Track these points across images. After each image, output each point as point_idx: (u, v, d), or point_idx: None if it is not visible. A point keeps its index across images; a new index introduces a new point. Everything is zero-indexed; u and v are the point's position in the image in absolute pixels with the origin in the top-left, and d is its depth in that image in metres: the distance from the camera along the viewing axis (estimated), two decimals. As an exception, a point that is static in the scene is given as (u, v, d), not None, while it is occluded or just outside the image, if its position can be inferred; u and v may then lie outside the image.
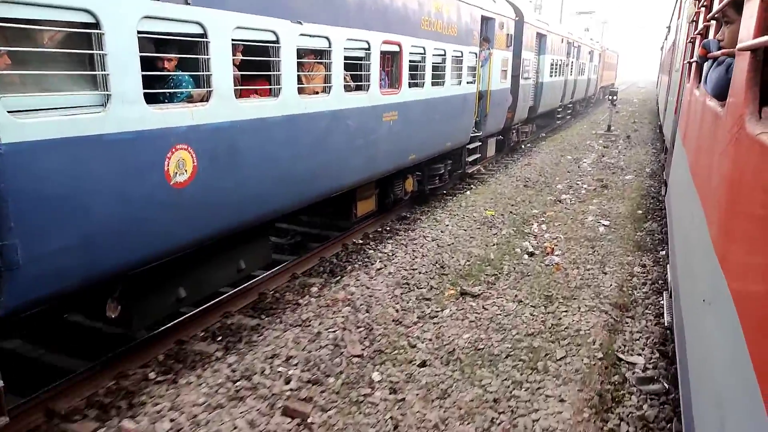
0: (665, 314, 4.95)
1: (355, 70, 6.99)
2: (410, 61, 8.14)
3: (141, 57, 3.93)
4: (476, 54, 10.89)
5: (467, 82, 10.56)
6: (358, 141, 7.05)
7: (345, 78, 6.59)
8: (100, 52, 3.66)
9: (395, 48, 7.70)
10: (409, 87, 8.21)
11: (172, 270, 5.06)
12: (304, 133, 5.92)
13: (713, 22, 4.20)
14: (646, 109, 33.35)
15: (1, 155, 3.15)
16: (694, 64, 5.26)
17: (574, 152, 17.15)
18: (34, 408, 4.09)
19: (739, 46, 2.10)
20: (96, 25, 3.60)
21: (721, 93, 2.86)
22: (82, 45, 3.69)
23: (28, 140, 3.29)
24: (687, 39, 7.86)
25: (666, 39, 20.96)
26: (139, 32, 3.89)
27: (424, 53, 8.56)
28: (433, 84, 9.00)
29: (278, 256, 7.44)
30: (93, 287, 4.13)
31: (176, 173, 4.35)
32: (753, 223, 1.68)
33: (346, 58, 6.52)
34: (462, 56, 10.11)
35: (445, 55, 9.34)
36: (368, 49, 6.97)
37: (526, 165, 15.04)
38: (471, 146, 11.85)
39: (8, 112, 3.17)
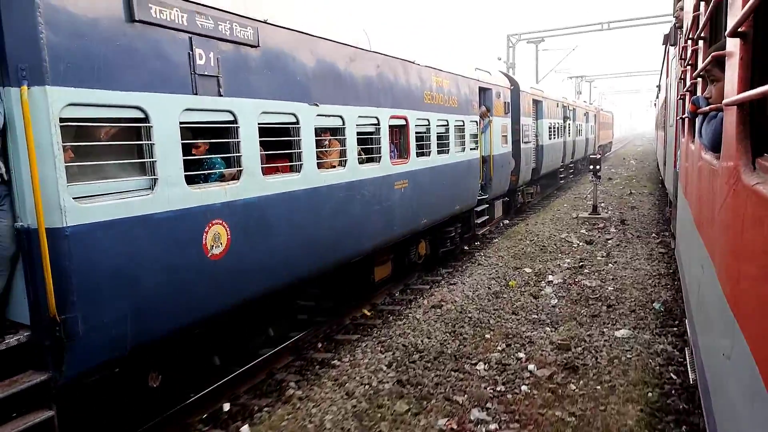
0: (689, 371, 4.57)
1: (367, 143, 7.53)
2: (416, 132, 8.72)
3: (182, 144, 4.43)
4: (477, 122, 11.54)
5: (470, 149, 11.14)
6: (374, 208, 7.48)
7: (358, 151, 7.11)
8: (149, 142, 4.15)
9: (402, 122, 8.29)
10: (417, 156, 8.74)
11: (207, 340, 5.33)
12: (325, 203, 6.35)
13: (700, 79, 4.27)
14: (645, 172, 28.47)
15: (67, 236, 3.55)
16: (686, 120, 5.27)
17: (538, 259, 10.57)
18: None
19: (725, 101, 2.17)
20: (145, 119, 4.12)
21: (715, 146, 2.91)
22: (132, 137, 4.20)
23: (89, 222, 3.70)
24: (677, 96, 8.39)
25: (658, 97, 21.94)
26: (180, 123, 4.40)
27: (429, 124, 9.16)
28: (438, 152, 9.54)
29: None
30: (139, 355, 4.40)
31: (213, 246, 4.73)
32: (761, 272, 1.64)
33: (358, 133, 7.07)
34: (464, 125, 10.74)
35: (448, 125, 9.95)
36: (378, 124, 7.55)
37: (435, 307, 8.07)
38: (479, 209, 12.27)
39: (73, 198, 3.60)
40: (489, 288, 8.95)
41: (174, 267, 4.39)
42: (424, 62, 9.01)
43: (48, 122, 3.44)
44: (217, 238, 4.78)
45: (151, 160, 4.17)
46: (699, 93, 4.10)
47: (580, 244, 12.00)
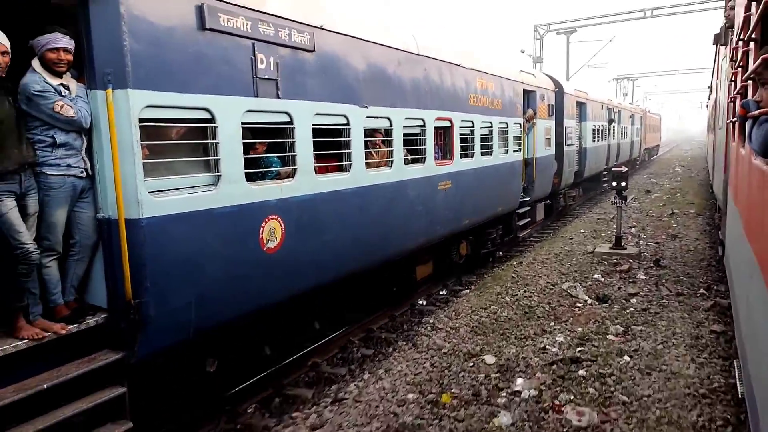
0: (737, 384, 4.36)
1: (413, 144, 7.70)
2: (461, 134, 8.85)
3: (243, 143, 4.71)
4: (520, 124, 11.56)
5: (513, 151, 11.17)
6: (418, 208, 7.65)
7: (404, 152, 7.30)
8: (214, 141, 4.44)
9: (447, 123, 8.43)
10: (461, 158, 8.87)
11: (259, 330, 5.62)
12: (372, 202, 6.56)
13: (750, 82, 4.16)
14: (693, 184, 23.22)
15: (142, 227, 3.87)
16: (737, 123, 5.09)
17: (514, 333, 6.62)
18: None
19: None
20: (212, 119, 4.41)
21: (766, 151, 2.86)
22: (199, 136, 4.51)
23: (161, 215, 4.01)
24: (728, 98, 8.17)
25: (709, 98, 21.23)
26: (242, 123, 4.69)
27: (473, 126, 9.26)
28: (482, 154, 9.63)
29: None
30: (201, 340, 4.71)
31: (268, 240, 5.00)
32: None
33: (404, 134, 7.25)
34: (507, 127, 10.78)
35: (491, 126, 10.03)
36: (423, 125, 7.71)
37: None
38: (520, 211, 12.28)
39: (148, 192, 3.92)
40: (402, 408, 4.90)
41: (233, 258, 4.67)
42: (470, 65, 9.12)
43: (129, 122, 3.76)
44: (272, 232, 5.05)
45: (216, 158, 4.47)
46: (749, 96, 4.08)
47: (588, 302, 7.58)
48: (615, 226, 10.97)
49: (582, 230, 13.45)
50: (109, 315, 3.95)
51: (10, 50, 3.41)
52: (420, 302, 8.95)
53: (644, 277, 8.82)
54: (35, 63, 3.58)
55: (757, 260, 2.93)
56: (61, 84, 3.62)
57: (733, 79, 6.84)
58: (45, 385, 3.44)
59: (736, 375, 4.64)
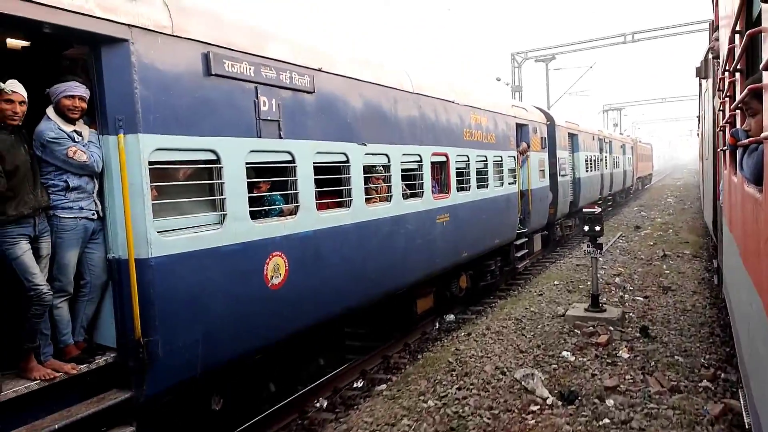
0: (744, 415, 4.25)
1: (410, 179, 7.87)
2: (456, 168, 9.04)
3: (247, 182, 4.85)
4: (514, 157, 11.80)
5: (509, 183, 11.38)
6: (417, 241, 7.76)
7: (402, 187, 7.46)
8: (220, 181, 4.58)
9: (443, 158, 8.63)
10: (458, 191, 9.03)
11: (263, 368, 5.65)
12: (372, 236, 6.68)
13: (738, 111, 4.20)
14: (687, 217, 21.08)
15: (151, 266, 3.97)
16: (728, 152, 4.96)
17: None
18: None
19: (764, 134, 2.17)
20: (217, 160, 4.56)
21: (758, 179, 2.86)
22: (204, 176, 4.65)
23: (169, 254, 4.11)
24: (717, 128, 8.28)
25: (699, 127, 21.62)
26: (246, 163, 4.84)
27: (468, 160, 9.47)
28: (478, 187, 9.81)
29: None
30: (207, 378, 4.74)
31: (273, 276, 5.09)
32: None
33: (402, 170, 7.43)
34: (502, 160, 11.01)
35: (486, 160, 10.24)
36: (420, 161, 7.90)
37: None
38: (518, 242, 12.40)
39: (157, 232, 4.03)
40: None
41: (238, 296, 4.75)
42: (463, 101, 9.39)
43: (139, 165, 3.90)
44: (276, 268, 5.14)
45: (222, 197, 4.60)
46: (738, 125, 4.07)
47: (548, 402, 5.46)
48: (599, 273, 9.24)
49: (556, 281, 11.01)
50: (118, 354, 4.00)
51: (27, 100, 3.56)
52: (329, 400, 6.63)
53: (627, 356, 6.55)
54: (50, 111, 3.74)
55: (756, 287, 2.90)
56: (75, 130, 3.77)
57: (721, 108, 7.08)
58: (56, 426, 3.47)
59: (741, 405, 4.51)
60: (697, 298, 9.30)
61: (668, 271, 11.52)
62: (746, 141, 3.22)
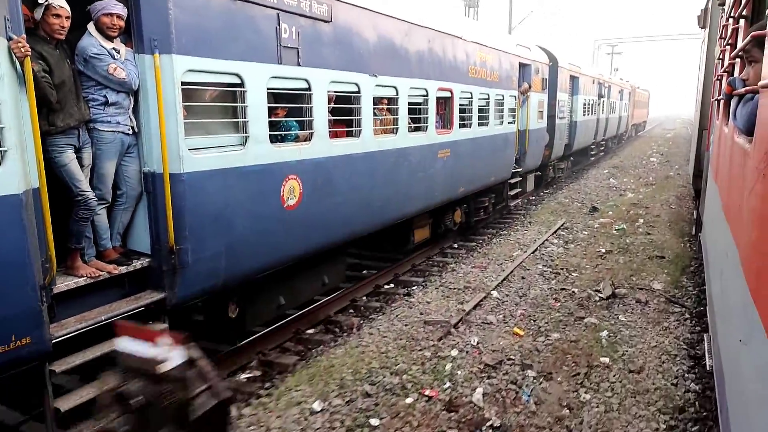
0: (706, 357, 4.34)
1: (416, 113, 8.10)
2: (460, 104, 9.25)
3: (268, 107, 5.09)
4: (515, 96, 11.97)
5: (508, 122, 11.61)
6: (419, 174, 8.09)
7: (408, 120, 7.70)
8: (243, 104, 4.82)
9: (448, 94, 8.82)
10: (460, 127, 9.29)
11: (275, 281, 6.10)
12: (378, 167, 7.00)
13: (738, 60, 4.13)
14: (669, 196, 15.04)
15: (183, 181, 4.28)
16: (722, 101, 4.97)
17: None
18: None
19: (762, 83, 2.13)
20: (241, 84, 4.78)
21: (749, 129, 2.78)
22: (228, 100, 4.88)
23: (198, 170, 4.42)
24: (714, 77, 8.32)
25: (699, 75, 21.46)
26: (267, 88, 5.06)
27: (471, 97, 9.66)
28: (479, 124, 10.06)
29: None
30: (227, 287, 5.18)
31: (288, 198, 5.44)
32: None
33: (409, 103, 7.65)
34: (503, 99, 11.19)
35: (488, 98, 10.43)
36: (426, 95, 8.10)
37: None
38: (512, 181, 12.79)
39: (188, 149, 4.32)
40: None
41: (258, 213, 5.11)
42: (470, 38, 9.46)
43: (173, 85, 4.13)
44: (291, 191, 5.48)
45: (245, 120, 4.86)
46: (736, 74, 4.04)
47: None
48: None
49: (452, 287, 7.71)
50: (152, 259, 4.39)
51: (70, 15, 3.73)
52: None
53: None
54: (91, 27, 3.91)
55: (734, 238, 2.91)
56: (113, 48, 3.96)
57: (720, 57, 6.79)
58: (102, 317, 3.89)
59: (705, 349, 4.56)
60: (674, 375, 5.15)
61: (609, 360, 5.43)
62: (743, 90, 3.22)
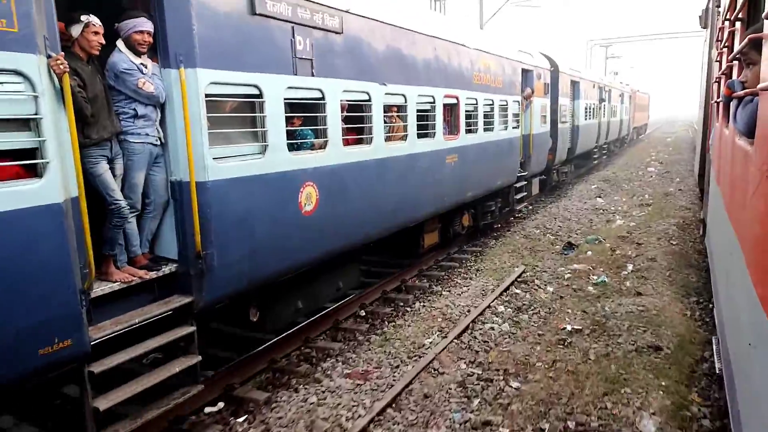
0: (715, 360, 4.40)
1: (424, 120, 8.29)
2: (466, 110, 9.45)
3: (285, 117, 5.29)
4: (519, 102, 12.17)
5: (512, 127, 11.81)
6: (428, 180, 8.27)
7: (416, 127, 7.89)
8: (262, 114, 5.02)
9: (454, 100, 9.02)
10: (466, 133, 9.48)
11: (292, 286, 6.26)
12: (389, 173, 7.18)
13: (736, 62, 4.14)
14: (669, 226, 11.42)
15: (208, 188, 4.47)
16: (721, 104, 4.99)
17: None
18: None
19: (761, 86, 2.12)
20: (260, 95, 4.98)
21: (750, 131, 2.79)
22: (247, 110, 5.08)
23: (222, 178, 4.60)
24: (712, 79, 8.38)
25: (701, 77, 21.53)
26: (284, 98, 5.26)
27: (477, 103, 9.86)
28: (484, 129, 10.25)
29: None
30: (249, 291, 5.34)
31: (305, 204, 5.62)
32: None
33: (417, 110, 7.84)
34: (507, 104, 11.40)
35: (493, 104, 10.63)
36: (433, 102, 8.30)
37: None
38: (518, 185, 12.97)
39: (213, 158, 4.51)
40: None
41: (277, 219, 5.29)
42: (474, 45, 9.68)
43: (197, 97, 4.33)
44: (308, 197, 5.66)
45: (264, 129, 5.05)
46: (735, 76, 4.05)
47: None
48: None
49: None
50: (179, 264, 4.56)
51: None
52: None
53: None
54: (120, 44, 4.11)
55: (738, 238, 2.91)
56: (141, 63, 4.16)
57: (718, 59, 6.73)
58: (136, 320, 4.06)
59: (714, 351, 4.60)
60: None
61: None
62: (742, 92, 3.20)
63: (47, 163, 3.37)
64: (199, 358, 4.57)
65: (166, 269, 4.48)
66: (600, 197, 15.70)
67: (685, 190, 16.14)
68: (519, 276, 8.60)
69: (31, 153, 3.38)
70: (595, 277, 8.33)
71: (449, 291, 8.25)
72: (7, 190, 3.19)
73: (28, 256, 3.29)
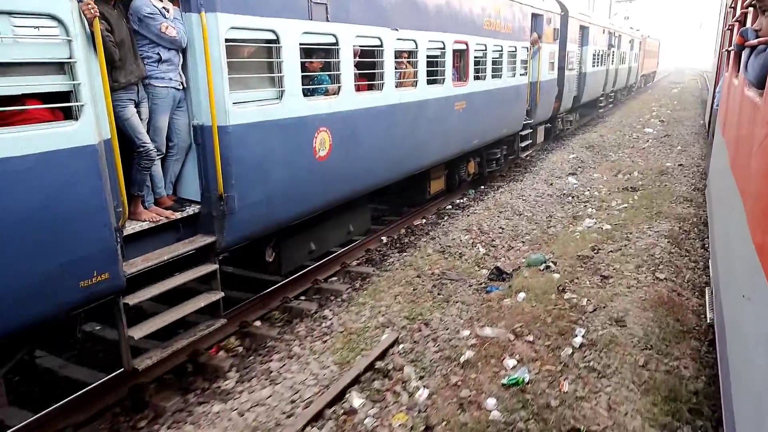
0: (707, 311, 4.32)
1: (433, 66, 8.29)
2: (475, 57, 9.42)
3: (300, 62, 5.36)
4: (527, 48, 12.06)
5: (520, 74, 11.76)
6: (436, 126, 8.37)
7: (426, 73, 7.92)
8: (279, 59, 5.10)
9: (463, 46, 8.98)
10: (475, 79, 9.48)
11: (306, 229, 6.50)
12: (399, 119, 7.28)
13: (751, 9, 4.02)
14: (671, 217, 8.14)
15: (229, 133, 4.62)
16: (732, 52, 4.87)
17: None
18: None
19: None
20: (276, 40, 5.04)
21: (761, 82, 2.71)
22: (263, 55, 5.15)
23: (242, 123, 4.74)
24: (725, 26, 8.03)
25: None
26: (300, 44, 5.31)
27: (485, 50, 9.80)
28: (493, 76, 10.24)
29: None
30: (267, 233, 5.58)
31: (319, 149, 5.77)
32: None
33: (427, 56, 7.85)
34: (516, 51, 11.30)
35: (502, 50, 10.56)
36: (443, 48, 8.28)
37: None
38: (523, 133, 13.02)
39: (233, 103, 4.63)
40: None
41: (293, 164, 5.46)
42: (486, -11, 9.53)
43: (218, 42, 4.41)
44: (322, 142, 5.80)
45: (280, 75, 5.14)
46: (749, 24, 3.98)
47: None
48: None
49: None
50: (202, 206, 4.77)
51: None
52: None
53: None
54: (143, -12, 4.16)
55: (740, 191, 2.84)
56: (164, 7, 4.22)
57: (732, 5, 6.77)
58: (165, 257, 4.31)
59: (707, 302, 4.48)
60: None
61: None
62: (755, 41, 3.10)
63: (82, 105, 3.51)
64: (222, 294, 4.86)
65: (190, 210, 4.70)
66: (574, 174, 12.32)
67: (686, 165, 12.39)
68: (384, 352, 4.90)
69: (65, 97, 3.52)
70: (511, 363, 4.47)
71: (267, 380, 4.72)
72: (46, 132, 3.35)
73: (67, 195, 3.49)
